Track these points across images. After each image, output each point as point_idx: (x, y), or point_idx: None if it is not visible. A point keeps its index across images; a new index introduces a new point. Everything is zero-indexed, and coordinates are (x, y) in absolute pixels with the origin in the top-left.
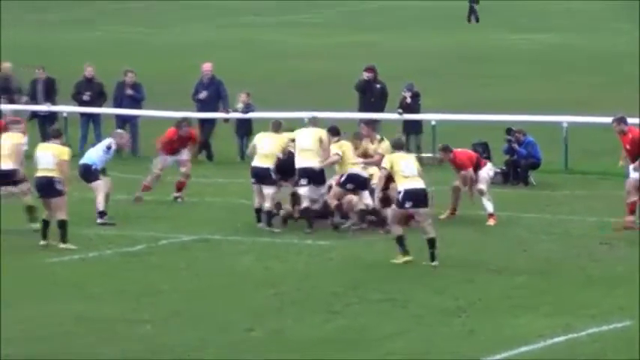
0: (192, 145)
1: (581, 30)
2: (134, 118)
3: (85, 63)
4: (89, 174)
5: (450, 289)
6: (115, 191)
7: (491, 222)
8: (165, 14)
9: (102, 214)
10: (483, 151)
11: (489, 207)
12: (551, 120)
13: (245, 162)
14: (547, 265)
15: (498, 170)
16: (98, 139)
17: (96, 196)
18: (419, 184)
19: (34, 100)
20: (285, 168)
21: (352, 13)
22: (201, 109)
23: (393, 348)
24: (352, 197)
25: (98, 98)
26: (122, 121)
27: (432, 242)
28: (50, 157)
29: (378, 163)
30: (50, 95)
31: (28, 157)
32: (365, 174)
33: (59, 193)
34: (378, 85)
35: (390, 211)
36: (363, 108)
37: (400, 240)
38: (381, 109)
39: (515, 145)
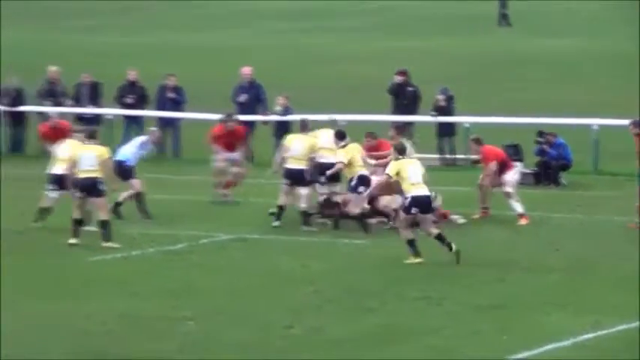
0: (242, 142)
1: (610, 33)
2: (176, 120)
3: (128, 67)
4: (123, 171)
5: (483, 287)
6: (157, 191)
7: (522, 222)
8: (207, 19)
9: (118, 204)
10: (515, 153)
11: (519, 208)
12: (582, 122)
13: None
14: (577, 263)
15: (530, 171)
16: None
17: (125, 192)
18: (424, 191)
19: (78, 103)
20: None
21: (389, 19)
22: (240, 112)
23: (429, 344)
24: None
25: (141, 101)
26: (164, 124)
27: (440, 237)
28: (93, 158)
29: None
30: (95, 98)
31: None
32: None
33: (101, 194)
34: (410, 88)
35: (399, 217)
36: (396, 111)
37: (411, 242)
38: (413, 112)
39: (546, 147)
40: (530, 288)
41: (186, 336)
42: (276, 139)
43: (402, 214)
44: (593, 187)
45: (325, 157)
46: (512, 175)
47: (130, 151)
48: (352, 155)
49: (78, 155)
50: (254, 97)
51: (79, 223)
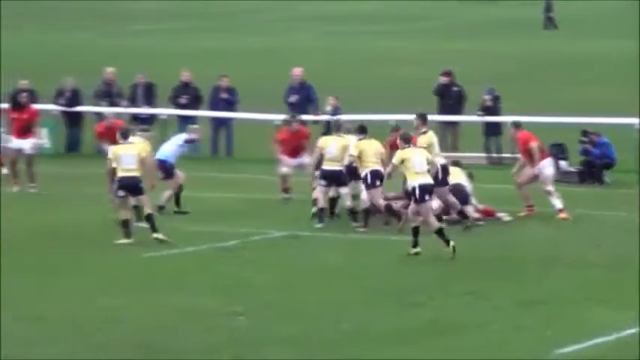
0: (307, 143)
1: None
2: (229, 120)
3: (182, 68)
4: (164, 170)
5: (527, 283)
6: (210, 189)
7: (562, 216)
8: (260, 23)
9: (161, 208)
10: (560, 152)
11: (558, 204)
12: (626, 122)
13: None
14: (619, 260)
15: (574, 170)
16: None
17: (166, 191)
18: (429, 179)
19: (134, 103)
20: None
21: (437, 22)
22: (292, 112)
23: (476, 339)
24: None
25: (194, 102)
26: (217, 124)
27: (440, 232)
28: (132, 156)
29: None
30: (149, 99)
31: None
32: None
33: (142, 191)
34: (456, 89)
35: (411, 207)
36: (442, 111)
37: (416, 230)
38: (459, 112)
39: (589, 147)
40: (573, 284)
41: (237, 331)
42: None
43: (413, 205)
44: (635, 186)
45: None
46: (547, 169)
47: (169, 149)
48: (362, 149)
49: (117, 155)
50: (304, 98)
51: (127, 223)
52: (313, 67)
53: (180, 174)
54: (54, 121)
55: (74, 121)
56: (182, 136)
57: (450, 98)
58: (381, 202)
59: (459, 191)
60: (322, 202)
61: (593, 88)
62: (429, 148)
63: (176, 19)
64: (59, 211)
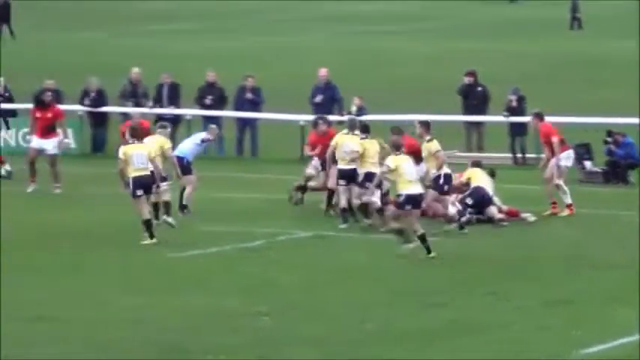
0: None
1: None
2: (253, 120)
3: (207, 69)
4: (181, 166)
5: (551, 283)
6: (235, 190)
7: (566, 212)
8: (286, 23)
9: (184, 207)
10: (585, 153)
11: (566, 199)
12: None
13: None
14: None
15: (599, 170)
16: (220, 140)
17: (186, 190)
18: (419, 189)
19: (159, 103)
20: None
21: (461, 22)
22: (317, 112)
23: (498, 339)
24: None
25: (219, 102)
26: (242, 124)
27: (423, 238)
28: (144, 156)
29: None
30: (174, 99)
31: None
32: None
33: (152, 190)
34: (479, 89)
35: (389, 209)
36: (467, 111)
37: (400, 231)
38: (483, 112)
39: (613, 147)
40: (598, 284)
41: (261, 331)
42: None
43: (393, 208)
44: None
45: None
46: (564, 161)
47: (188, 147)
48: (366, 148)
49: (129, 154)
50: (330, 98)
51: (149, 223)
52: (338, 67)
53: (194, 176)
54: (78, 122)
55: (99, 121)
56: (201, 135)
57: (474, 98)
58: (356, 202)
59: (479, 194)
60: (344, 203)
61: (618, 88)
62: (429, 156)
63: (199, 19)
64: (84, 211)
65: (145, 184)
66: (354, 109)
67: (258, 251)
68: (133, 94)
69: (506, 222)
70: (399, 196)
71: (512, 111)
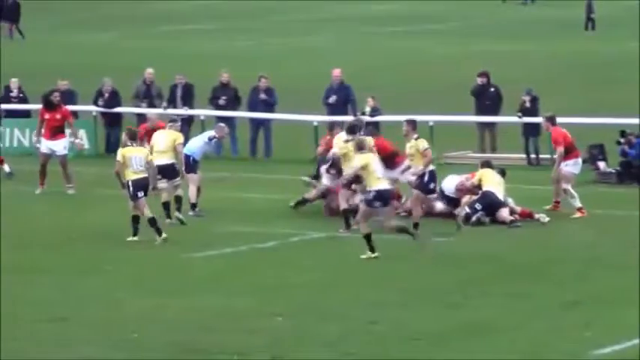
0: None
1: None
2: (267, 121)
3: (221, 69)
4: (187, 164)
5: (567, 284)
6: (249, 190)
7: (578, 214)
8: (298, 24)
9: (194, 206)
10: (599, 153)
11: (575, 202)
12: None
13: None
14: None
15: (612, 171)
16: (233, 141)
17: (189, 188)
18: (387, 185)
19: (172, 104)
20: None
21: (476, 23)
22: (330, 113)
23: (514, 340)
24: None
25: (233, 102)
26: (256, 125)
27: (402, 229)
28: (142, 159)
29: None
30: (188, 100)
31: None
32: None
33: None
34: (492, 89)
35: (360, 210)
36: (480, 112)
37: (368, 237)
38: (496, 112)
39: (626, 147)
40: (613, 285)
41: (275, 331)
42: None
43: (363, 207)
44: None
45: None
46: (571, 168)
47: (196, 145)
48: (349, 150)
49: (128, 157)
50: (344, 99)
51: (154, 220)
52: (352, 67)
53: (198, 175)
54: (92, 122)
55: (113, 122)
56: (209, 133)
57: (487, 99)
58: (344, 205)
59: (488, 199)
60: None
61: (632, 88)
62: (416, 154)
63: (212, 20)
64: (97, 211)
65: (145, 185)
66: (367, 109)
67: (272, 252)
68: (147, 95)
69: (520, 223)
70: (368, 192)
71: (526, 111)
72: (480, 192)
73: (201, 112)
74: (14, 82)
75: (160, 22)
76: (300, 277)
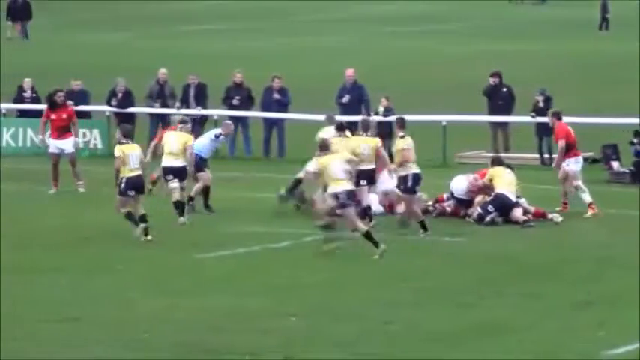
0: None
1: None
2: (281, 121)
3: (234, 69)
4: (196, 163)
5: (579, 284)
6: (263, 190)
7: (590, 213)
8: (310, 24)
9: (191, 199)
10: (613, 153)
11: (586, 198)
12: None
13: None
14: None
15: (626, 171)
16: (247, 141)
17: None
18: (349, 186)
19: (185, 104)
20: None
21: (490, 23)
22: (344, 113)
23: (527, 340)
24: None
25: (246, 102)
26: (269, 125)
27: (368, 235)
28: (137, 156)
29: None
30: (201, 99)
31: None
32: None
33: (144, 191)
34: (505, 89)
35: (323, 207)
36: (493, 111)
37: (328, 227)
38: (509, 112)
39: (639, 147)
40: (626, 285)
41: (289, 331)
42: (379, 138)
43: (329, 208)
44: None
45: None
46: (572, 167)
47: (202, 143)
48: (336, 148)
49: (126, 154)
50: (357, 98)
51: (131, 215)
52: (365, 67)
53: (208, 175)
54: (105, 122)
55: (127, 121)
56: (215, 131)
57: (500, 99)
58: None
59: (500, 201)
60: (364, 202)
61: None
62: (402, 152)
63: (226, 20)
64: (110, 211)
65: (137, 184)
66: (381, 109)
67: (285, 252)
68: (160, 95)
69: (533, 223)
70: (333, 194)
71: (539, 111)
72: (493, 194)
73: (215, 112)
74: (28, 82)
75: (174, 22)
76: (313, 277)
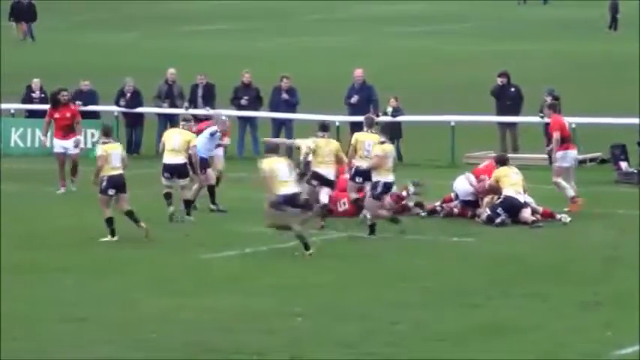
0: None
1: None
2: (289, 121)
3: (243, 69)
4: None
5: (587, 284)
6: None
7: (572, 207)
8: (319, 24)
9: (216, 206)
10: (621, 153)
11: (568, 192)
12: None
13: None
14: None
15: (634, 171)
16: (255, 141)
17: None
18: (294, 189)
19: (194, 104)
20: None
21: (498, 23)
22: (352, 113)
23: (534, 340)
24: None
25: (255, 102)
26: (278, 125)
27: (300, 236)
28: (119, 155)
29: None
30: (209, 100)
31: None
32: (326, 174)
33: (126, 189)
34: (513, 89)
35: (269, 212)
36: (500, 112)
37: (284, 227)
38: (517, 112)
39: None
40: (634, 285)
41: (295, 331)
42: (387, 139)
43: (270, 210)
44: None
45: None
46: (560, 162)
47: (200, 142)
48: (319, 146)
49: (109, 153)
50: (365, 99)
51: (111, 221)
52: (373, 67)
53: (210, 174)
54: (114, 123)
55: (135, 122)
56: (210, 129)
57: (508, 99)
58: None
59: (509, 203)
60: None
61: None
62: (377, 158)
63: (234, 20)
64: (116, 211)
65: (118, 182)
66: (389, 109)
67: (292, 252)
68: (169, 95)
69: (541, 223)
70: (277, 196)
71: None
72: (502, 197)
73: (223, 112)
74: (36, 83)
75: (182, 22)
76: (320, 277)
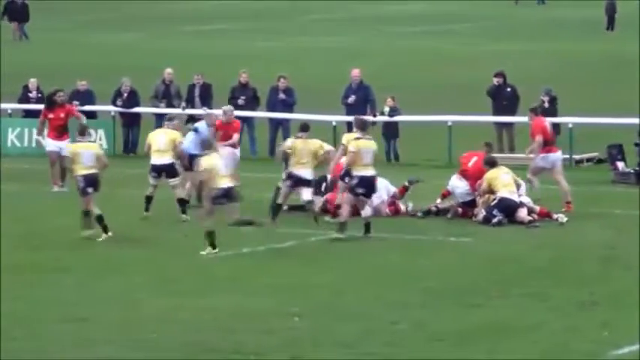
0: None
1: None
2: (286, 121)
3: (240, 69)
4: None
5: (585, 284)
6: (268, 190)
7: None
8: (317, 24)
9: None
10: (618, 153)
11: (533, 195)
12: None
13: (390, 163)
14: None
15: (631, 171)
16: (252, 141)
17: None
18: (229, 182)
19: (190, 104)
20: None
21: (497, 24)
22: (349, 113)
23: (533, 340)
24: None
25: (252, 102)
26: (275, 125)
27: (210, 234)
28: (92, 155)
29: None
30: (206, 99)
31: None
32: (301, 174)
33: (99, 189)
34: (509, 89)
35: (206, 207)
36: (497, 112)
37: (211, 234)
38: (513, 112)
39: None
40: (631, 285)
41: (294, 331)
42: (385, 139)
43: (208, 204)
44: None
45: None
46: (537, 161)
47: (188, 139)
48: (297, 147)
49: (77, 153)
50: (362, 98)
51: (88, 214)
52: (371, 67)
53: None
54: (110, 122)
55: (132, 122)
56: (197, 124)
57: (504, 99)
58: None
59: (504, 205)
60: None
61: None
62: (350, 154)
63: (231, 20)
64: (115, 211)
65: (94, 180)
66: (386, 109)
67: (290, 252)
68: (166, 95)
69: (539, 223)
70: (215, 190)
71: (545, 112)
72: (497, 199)
73: (220, 112)
74: (33, 83)
75: (179, 22)
76: (318, 277)
